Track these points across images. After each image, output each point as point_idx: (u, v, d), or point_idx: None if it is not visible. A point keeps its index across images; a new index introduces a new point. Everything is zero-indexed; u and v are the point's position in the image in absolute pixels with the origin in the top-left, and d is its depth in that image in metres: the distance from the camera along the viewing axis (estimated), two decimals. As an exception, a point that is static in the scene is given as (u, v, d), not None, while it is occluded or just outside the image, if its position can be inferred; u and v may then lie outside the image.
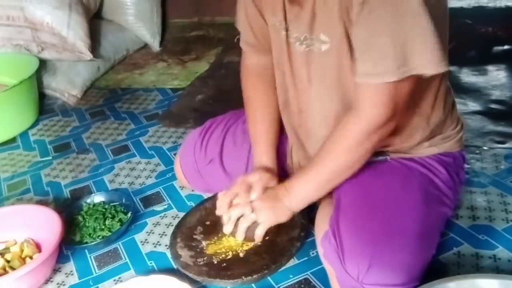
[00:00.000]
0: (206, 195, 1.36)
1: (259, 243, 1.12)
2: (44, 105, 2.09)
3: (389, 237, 0.89)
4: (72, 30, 2.04)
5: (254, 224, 1.08)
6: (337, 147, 0.96)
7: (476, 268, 1.06)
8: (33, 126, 1.95)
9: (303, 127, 1.10)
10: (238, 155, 1.26)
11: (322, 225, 1.01)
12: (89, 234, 1.28)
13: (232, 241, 1.11)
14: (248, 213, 1.05)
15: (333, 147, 0.96)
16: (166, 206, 1.40)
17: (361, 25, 0.84)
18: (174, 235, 1.18)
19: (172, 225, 1.30)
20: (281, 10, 0.99)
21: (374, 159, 1.03)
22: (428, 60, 0.81)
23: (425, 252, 0.93)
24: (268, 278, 1.09)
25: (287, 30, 1.00)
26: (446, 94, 1.03)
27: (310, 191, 1.03)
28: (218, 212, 1.10)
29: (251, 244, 1.10)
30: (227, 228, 1.08)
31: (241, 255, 1.10)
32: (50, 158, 1.73)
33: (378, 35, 0.82)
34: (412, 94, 0.90)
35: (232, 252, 1.11)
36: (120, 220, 1.31)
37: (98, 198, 1.40)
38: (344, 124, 0.94)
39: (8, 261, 1.20)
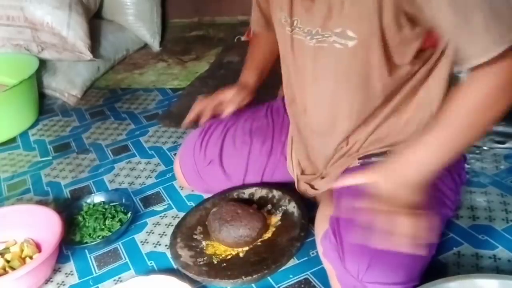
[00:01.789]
0: (206, 195, 1.36)
1: (259, 243, 1.12)
2: (44, 105, 2.09)
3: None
4: (72, 30, 2.04)
5: (238, 229, 1.10)
6: (465, 104, 0.82)
7: (476, 268, 1.06)
8: (33, 126, 1.95)
9: (308, 127, 1.09)
10: (238, 156, 1.26)
11: (321, 224, 1.01)
12: (89, 234, 1.28)
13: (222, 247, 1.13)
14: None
15: (459, 105, 0.82)
16: (166, 206, 1.40)
17: (448, 6, 0.76)
18: (174, 235, 1.18)
19: (172, 225, 1.30)
20: (287, 5, 0.98)
21: (375, 160, 1.03)
22: None
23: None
24: (268, 278, 1.09)
25: (291, 25, 0.99)
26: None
27: (433, 154, 0.84)
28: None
29: (246, 248, 1.11)
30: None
31: (241, 255, 1.11)
32: (50, 158, 1.73)
33: (473, 9, 0.74)
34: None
35: (232, 252, 1.12)
36: (120, 220, 1.31)
37: (98, 198, 1.40)
38: (471, 83, 0.81)
39: (8, 261, 1.20)
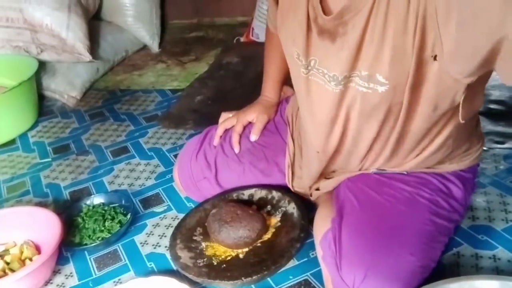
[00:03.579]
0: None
1: (259, 244, 1.12)
2: (43, 107, 2.09)
3: (388, 249, 0.87)
4: (71, 32, 2.04)
5: (238, 230, 1.09)
6: None
7: (476, 268, 1.06)
8: (32, 127, 1.95)
9: (320, 162, 1.03)
10: (233, 175, 1.25)
11: (320, 226, 1.00)
12: (89, 236, 1.28)
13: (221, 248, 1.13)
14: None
15: None
16: (165, 208, 1.40)
17: None
18: (173, 237, 1.18)
19: (171, 227, 1.30)
20: (302, 41, 0.86)
21: (391, 171, 1.00)
22: None
23: (424, 267, 0.90)
24: (268, 279, 1.09)
25: (307, 67, 0.89)
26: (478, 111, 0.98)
27: None
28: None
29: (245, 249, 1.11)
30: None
31: (240, 256, 1.11)
32: (50, 159, 1.73)
33: None
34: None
35: (232, 253, 1.12)
36: (119, 222, 1.31)
37: (97, 199, 1.40)
38: None
39: (7, 263, 1.20)
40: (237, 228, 1.10)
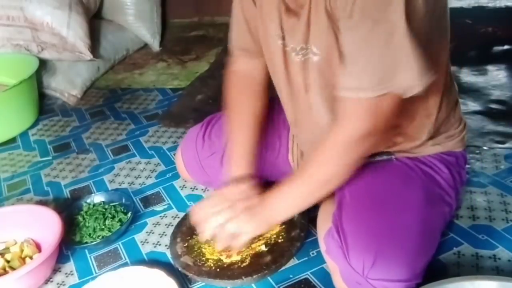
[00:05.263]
0: (206, 194, 1.36)
1: (259, 245, 1.12)
2: (44, 105, 2.09)
3: (393, 233, 0.90)
4: (72, 30, 2.04)
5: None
6: (317, 158, 0.94)
7: (476, 268, 1.06)
8: (33, 126, 1.95)
9: (300, 136, 1.12)
10: None
11: (324, 223, 1.01)
12: (89, 234, 1.28)
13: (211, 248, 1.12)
14: (230, 222, 1.02)
15: (313, 159, 0.95)
16: (166, 206, 1.40)
17: (346, 38, 0.85)
18: (174, 235, 1.18)
19: (172, 225, 1.30)
20: (277, 20, 0.98)
21: (379, 159, 1.03)
22: (405, 80, 0.81)
23: (427, 249, 0.94)
24: (268, 278, 1.09)
25: (283, 39, 0.99)
26: (449, 92, 1.03)
27: (288, 204, 1.01)
28: (196, 220, 1.08)
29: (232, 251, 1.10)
30: (205, 236, 1.06)
31: (241, 255, 1.10)
32: (50, 158, 1.73)
33: (359, 50, 0.83)
34: (401, 107, 0.89)
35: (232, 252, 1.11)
36: (120, 220, 1.31)
37: (98, 198, 1.40)
38: (328, 136, 0.92)
39: (8, 261, 1.20)
40: None
